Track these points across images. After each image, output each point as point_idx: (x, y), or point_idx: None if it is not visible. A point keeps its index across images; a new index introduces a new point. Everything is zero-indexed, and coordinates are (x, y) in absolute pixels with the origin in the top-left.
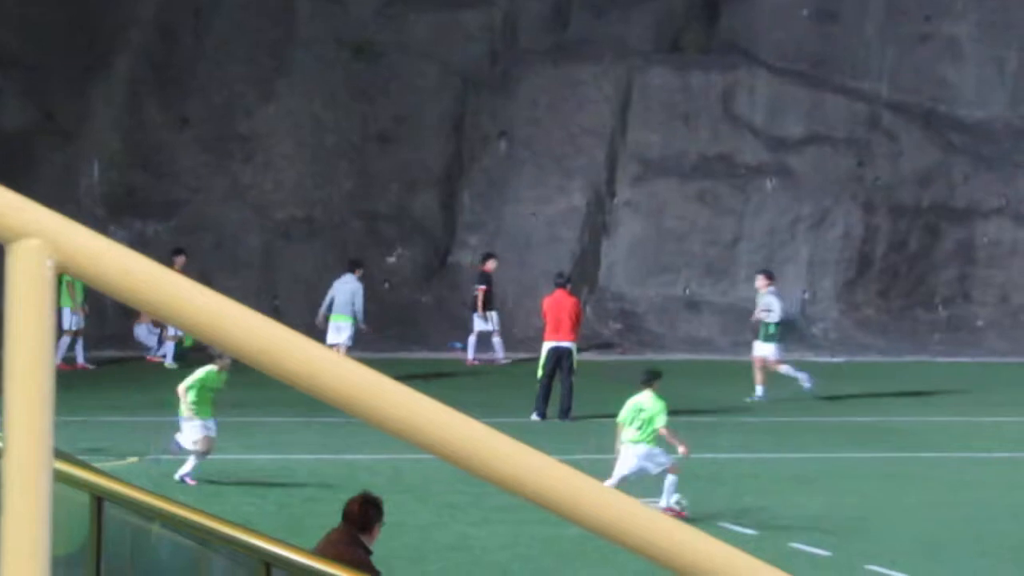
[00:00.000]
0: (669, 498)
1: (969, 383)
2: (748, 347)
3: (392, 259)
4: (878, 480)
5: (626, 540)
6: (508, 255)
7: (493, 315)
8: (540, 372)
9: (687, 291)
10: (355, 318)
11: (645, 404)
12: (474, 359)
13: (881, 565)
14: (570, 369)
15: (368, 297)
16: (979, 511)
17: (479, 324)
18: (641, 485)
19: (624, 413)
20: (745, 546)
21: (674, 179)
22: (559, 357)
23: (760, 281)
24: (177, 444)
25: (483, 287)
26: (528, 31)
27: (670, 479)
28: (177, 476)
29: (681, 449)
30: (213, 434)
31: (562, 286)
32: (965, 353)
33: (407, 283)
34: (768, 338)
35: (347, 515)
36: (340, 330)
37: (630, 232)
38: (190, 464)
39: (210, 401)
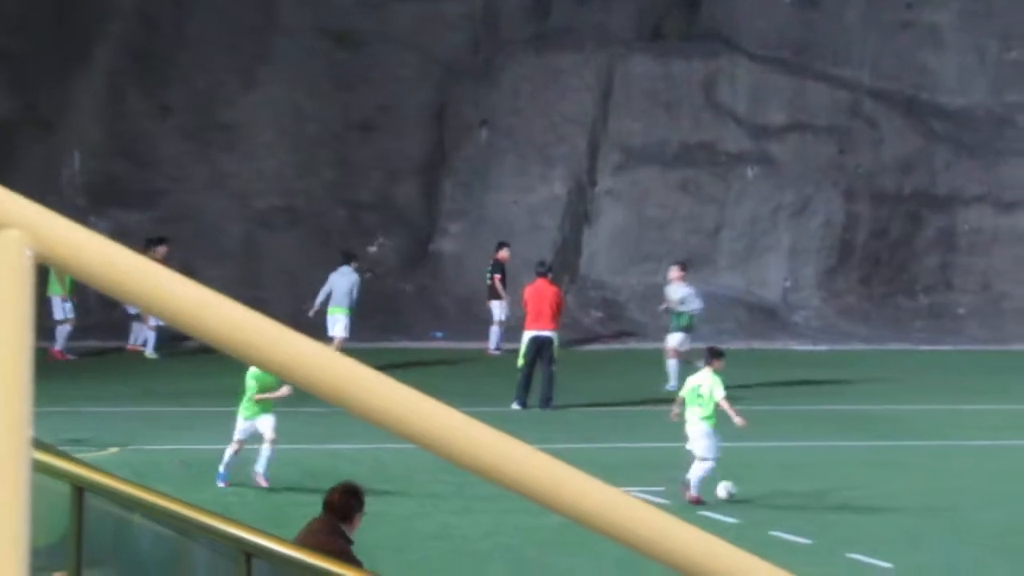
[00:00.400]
0: (696, 483)
1: (950, 371)
2: (731, 335)
3: (374, 248)
4: (860, 468)
5: (606, 528)
6: (489, 244)
7: (503, 304)
8: (521, 361)
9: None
10: (351, 309)
11: (703, 382)
12: (496, 349)
13: (862, 553)
14: (551, 358)
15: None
16: (961, 499)
17: (498, 313)
18: (655, 476)
19: (684, 391)
20: (725, 535)
21: (656, 167)
22: (540, 346)
23: (674, 272)
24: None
25: (497, 275)
26: (509, 20)
27: (706, 466)
28: (261, 470)
29: (738, 420)
30: (245, 437)
31: (543, 275)
32: (946, 341)
33: (389, 272)
34: (680, 328)
35: (328, 505)
36: (338, 322)
37: (612, 221)
38: (262, 459)
39: (255, 399)
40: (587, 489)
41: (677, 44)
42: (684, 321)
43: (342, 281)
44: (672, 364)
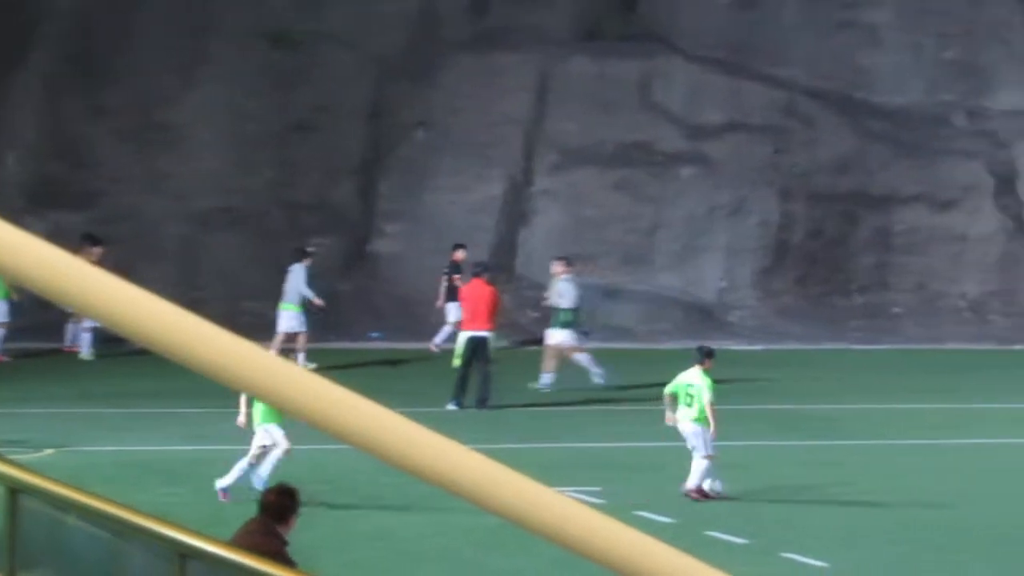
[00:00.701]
0: (699, 481)
1: (886, 370)
2: (667, 335)
3: (311, 248)
4: (796, 467)
5: (542, 529)
6: (426, 244)
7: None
8: (457, 361)
9: (605, 279)
10: (299, 306)
11: (694, 380)
12: (437, 346)
13: (798, 552)
14: (487, 359)
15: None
16: (896, 498)
17: (455, 315)
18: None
19: (672, 387)
20: (661, 534)
21: (592, 167)
22: (476, 346)
23: (557, 267)
24: (258, 478)
25: (456, 276)
26: (447, 20)
27: (704, 464)
28: (219, 486)
29: (712, 431)
30: (269, 441)
31: (480, 275)
32: (882, 340)
33: (326, 272)
34: (562, 325)
35: (264, 506)
36: (281, 318)
37: (548, 220)
38: (234, 475)
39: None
40: (523, 489)
41: (614, 44)
42: (567, 317)
43: (292, 278)
44: (582, 358)
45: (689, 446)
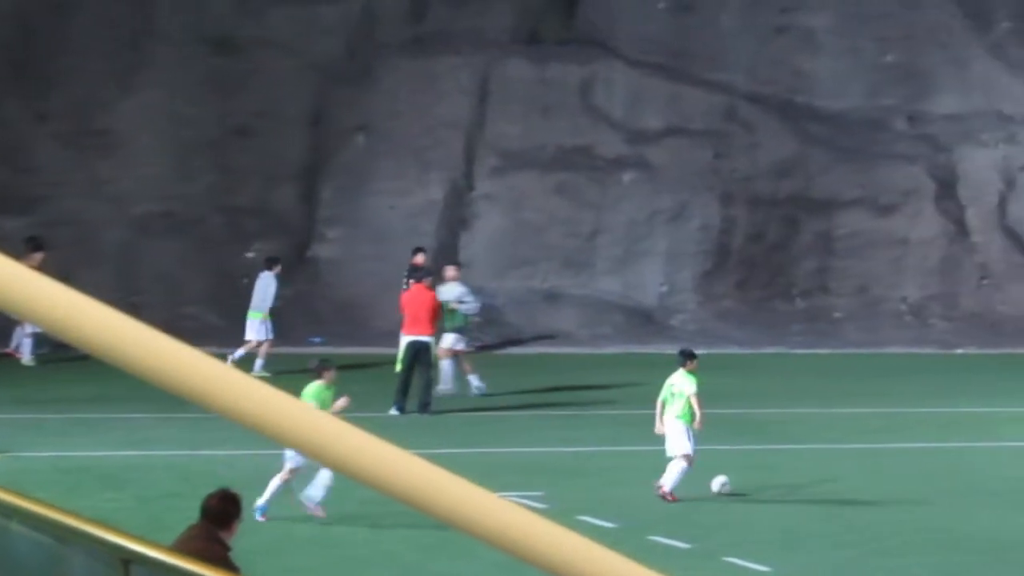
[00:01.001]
0: (672, 482)
1: (828, 374)
2: (607, 339)
3: (251, 254)
4: (739, 472)
5: (484, 533)
6: (366, 249)
7: None
8: (398, 366)
9: (546, 283)
10: (264, 313)
11: (676, 382)
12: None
13: (740, 557)
14: (429, 363)
15: (227, 292)
16: (840, 502)
17: None
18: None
19: (663, 393)
20: (603, 539)
21: (533, 172)
22: (417, 351)
23: (449, 271)
24: (309, 497)
25: (414, 280)
26: (386, 24)
27: (682, 466)
28: (308, 501)
29: (698, 423)
30: (299, 464)
31: (420, 280)
32: (823, 344)
33: None
34: (454, 328)
35: (206, 511)
36: (255, 326)
37: (489, 225)
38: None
39: None
40: (465, 494)
41: (554, 48)
42: (458, 321)
43: (259, 286)
44: (446, 364)
45: (668, 453)
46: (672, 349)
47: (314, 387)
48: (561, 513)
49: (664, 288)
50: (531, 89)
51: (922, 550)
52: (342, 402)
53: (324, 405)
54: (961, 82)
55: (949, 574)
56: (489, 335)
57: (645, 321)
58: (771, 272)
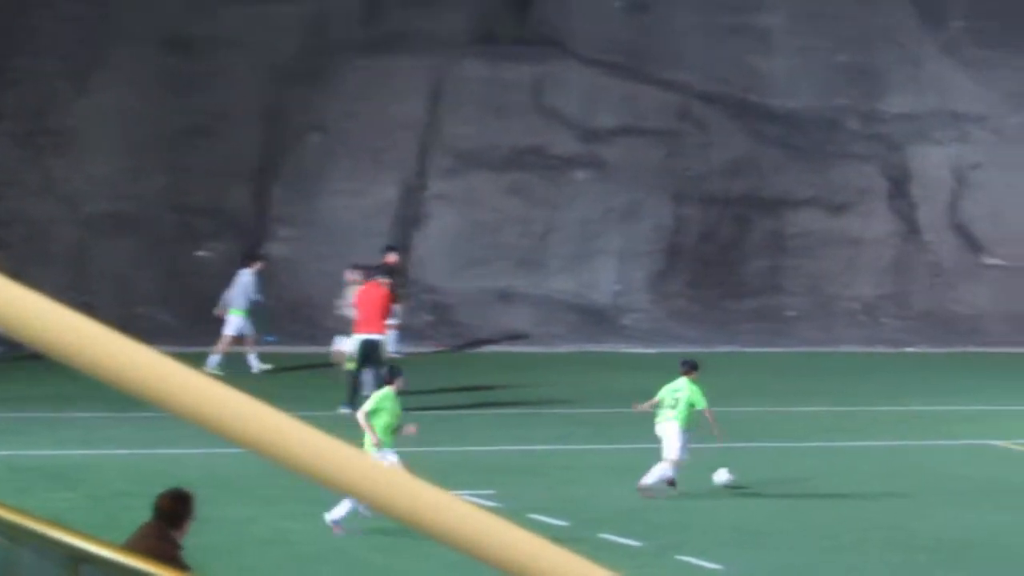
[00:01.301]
0: (653, 479)
1: (781, 373)
2: (561, 338)
3: (204, 253)
4: (691, 470)
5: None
6: (320, 248)
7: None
8: (350, 365)
9: (499, 283)
10: (243, 311)
11: (680, 387)
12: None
13: (692, 555)
14: (380, 361)
15: (180, 291)
16: (793, 501)
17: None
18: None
19: (662, 393)
20: (555, 537)
21: (486, 171)
22: (369, 349)
23: (352, 275)
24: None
25: (388, 280)
26: (341, 24)
27: (667, 466)
28: (330, 519)
29: (716, 432)
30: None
31: (374, 278)
32: (776, 343)
33: (219, 277)
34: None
35: (158, 510)
36: (235, 323)
37: (442, 224)
38: (345, 507)
39: (392, 429)
40: (418, 492)
41: (508, 48)
42: None
43: (239, 282)
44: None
45: (664, 453)
46: (625, 348)
47: (384, 394)
48: (513, 512)
49: (617, 287)
50: (485, 89)
51: (876, 548)
52: (411, 428)
53: (393, 415)
54: (914, 81)
55: (903, 572)
56: (443, 334)
57: (598, 320)
58: (724, 271)
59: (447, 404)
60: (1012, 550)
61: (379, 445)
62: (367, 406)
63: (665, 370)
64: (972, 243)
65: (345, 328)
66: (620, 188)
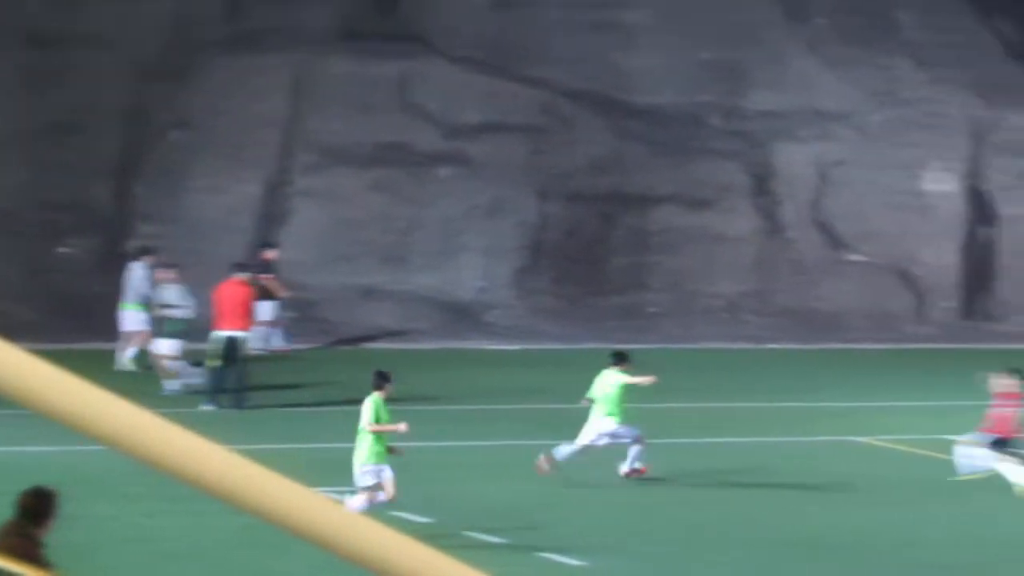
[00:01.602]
0: (632, 463)
1: (645, 369)
2: (424, 335)
3: (65, 249)
4: (561, 468)
5: (300, 529)
6: (182, 245)
7: (271, 304)
8: (212, 362)
9: (363, 279)
10: (138, 304)
11: (611, 380)
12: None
13: (556, 552)
14: (242, 358)
15: (41, 287)
16: (658, 499)
17: (269, 313)
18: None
19: (594, 390)
20: (418, 534)
21: (351, 168)
22: (231, 346)
23: (164, 274)
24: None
25: (266, 276)
26: (205, 20)
27: (635, 448)
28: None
29: (645, 380)
30: (374, 481)
31: (236, 275)
32: (640, 339)
33: (81, 273)
34: (170, 334)
35: (20, 508)
36: (130, 318)
37: (306, 221)
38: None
39: (385, 439)
40: (281, 490)
41: (373, 44)
42: (177, 326)
43: (131, 276)
44: (176, 365)
45: (597, 439)
46: (490, 345)
47: (376, 401)
48: (375, 509)
49: (481, 284)
50: (349, 86)
51: (739, 545)
52: (403, 426)
53: (384, 422)
54: (778, 79)
55: (764, 569)
56: (308, 331)
57: (462, 317)
58: (588, 268)
59: (310, 401)
60: (874, 545)
61: (391, 452)
62: (370, 416)
63: (529, 366)
64: (834, 240)
65: (167, 329)
66: (485, 185)
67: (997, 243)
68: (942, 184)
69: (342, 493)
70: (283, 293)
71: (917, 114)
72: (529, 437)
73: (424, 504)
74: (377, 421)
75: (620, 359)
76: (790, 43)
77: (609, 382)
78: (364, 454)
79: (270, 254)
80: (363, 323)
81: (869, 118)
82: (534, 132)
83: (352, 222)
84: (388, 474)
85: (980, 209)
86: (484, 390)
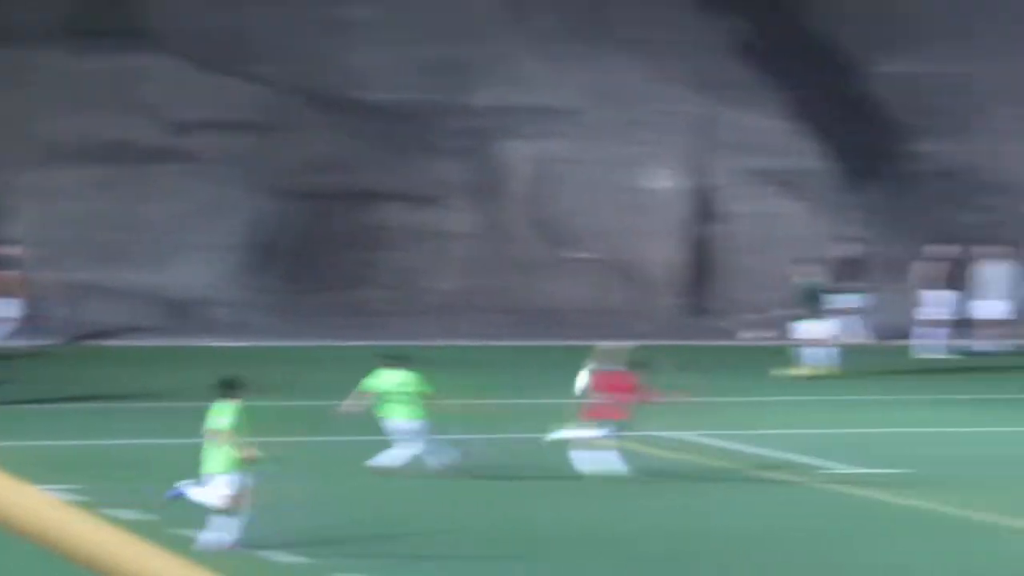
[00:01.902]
0: (441, 459)
1: (371, 366)
2: (149, 333)
3: None
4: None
5: (20, 526)
6: None
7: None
8: None
9: (86, 276)
10: None
11: (408, 381)
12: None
13: (274, 551)
14: None
15: None
16: (386, 496)
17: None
18: None
19: (379, 388)
20: (138, 532)
21: (73, 165)
22: None
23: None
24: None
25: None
26: None
27: (407, 453)
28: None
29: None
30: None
31: None
32: (367, 336)
33: None
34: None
35: None
36: None
37: (29, 218)
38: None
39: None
40: (2, 487)
41: (95, 40)
42: None
43: None
44: None
45: (419, 443)
46: (215, 342)
47: (234, 408)
48: (99, 506)
49: (206, 281)
50: (71, 81)
51: (503, 539)
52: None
53: (242, 429)
54: (505, 75)
55: (531, 564)
56: (34, 329)
57: (186, 314)
58: (315, 265)
59: (32, 398)
60: (625, 537)
61: (251, 460)
62: (227, 422)
63: (255, 364)
64: (556, 237)
65: None
66: (209, 182)
67: (720, 240)
68: (665, 181)
69: (63, 491)
70: (23, 290)
71: (640, 112)
72: (262, 435)
73: (145, 502)
74: (236, 430)
75: (394, 361)
76: (514, 40)
77: (392, 381)
78: (220, 463)
79: (14, 251)
80: (88, 321)
81: (590, 116)
82: (259, 129)
83: (74, 219)
84: (244, 482)
85: (703, 206)
86: (208, 388)
